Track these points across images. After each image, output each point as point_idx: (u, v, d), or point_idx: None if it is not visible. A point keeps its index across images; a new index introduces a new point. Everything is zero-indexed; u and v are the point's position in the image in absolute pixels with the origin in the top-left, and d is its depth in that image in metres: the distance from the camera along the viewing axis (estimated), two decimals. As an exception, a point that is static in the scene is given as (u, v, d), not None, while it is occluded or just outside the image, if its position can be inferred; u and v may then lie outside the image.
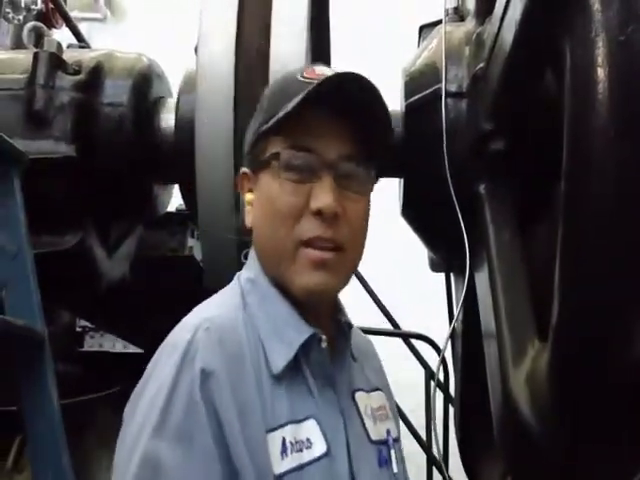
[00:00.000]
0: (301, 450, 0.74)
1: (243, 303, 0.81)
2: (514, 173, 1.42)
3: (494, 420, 1.23)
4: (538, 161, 1.39)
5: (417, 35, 2.09)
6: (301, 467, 0.73)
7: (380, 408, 0.89)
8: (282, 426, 0.74)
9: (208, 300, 0.84)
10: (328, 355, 0.81)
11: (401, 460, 0.89)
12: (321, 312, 0.84)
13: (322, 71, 0.81)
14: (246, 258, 0.88)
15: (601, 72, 0.94)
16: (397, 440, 0.90)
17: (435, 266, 1.93)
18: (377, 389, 0.91)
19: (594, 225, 0.95)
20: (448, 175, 1.42)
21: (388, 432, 0.88)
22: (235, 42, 1.59)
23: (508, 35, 1.23)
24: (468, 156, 1.46)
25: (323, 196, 0.77)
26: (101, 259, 1.96)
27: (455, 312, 1.74)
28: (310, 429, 0.76)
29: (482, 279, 1.39)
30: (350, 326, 0.87)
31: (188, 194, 1.98)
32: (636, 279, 0.94)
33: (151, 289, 2.33)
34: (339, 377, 0.83)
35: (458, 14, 1.89)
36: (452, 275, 1.91)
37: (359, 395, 0.86)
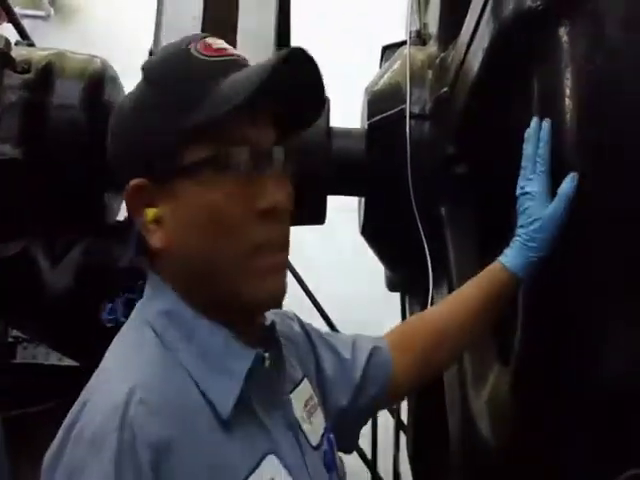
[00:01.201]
0: None
1: (162, 346, 0.66)
2: (476, 197, 1.44)
3: (452, 440, 1.23)
4: (500, 186, 1.41)
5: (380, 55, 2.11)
6: None
7: (308, 401, 0.79)
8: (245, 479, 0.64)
9: (112, 356, 0.68)
10: (273, 373, 0.73)
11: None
12: (255, 323, 0.74)
13: (219, 45, 0.69)
14: (141, 291, 0.72)
15: (569, 102, 0.96)
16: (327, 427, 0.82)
17: (392, 286, 1.94)
18: (302, 378, 0.81)
19: (557, 251, 0.96)
20: (412, 196, 1.42)
21: (326, 429, 0.80)
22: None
23: (474, 62, 1.25)
24: (430, 178, 1.47)
25: (273, 191, 0.67)
26: (45, 269, 1.88)
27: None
28: (272, 468, 0.67)
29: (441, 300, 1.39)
30: (273, 326, 0.77)
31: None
32: (597, 304, 0.95)
33: (98, 301, 2.24)
34: (281, 391, 0.74)
35: (420, 37, 1.91)
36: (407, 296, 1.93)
37: (293, 397, 0.77)
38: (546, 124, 0.95)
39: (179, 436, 0.60)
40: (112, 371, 0.65)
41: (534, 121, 0.99)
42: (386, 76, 1.73)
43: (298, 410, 0.76)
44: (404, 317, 1.97)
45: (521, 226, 0.96)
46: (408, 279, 1.79)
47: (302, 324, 0.91)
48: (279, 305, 0.74)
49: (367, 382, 0.91)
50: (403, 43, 1.90)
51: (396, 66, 1.74)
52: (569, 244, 0.94)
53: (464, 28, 1.36)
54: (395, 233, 1.59)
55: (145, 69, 0.72)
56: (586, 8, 0.93)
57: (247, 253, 0.67)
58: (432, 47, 1.78)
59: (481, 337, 1.03)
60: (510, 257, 0.96)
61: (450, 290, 1.33)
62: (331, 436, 0.80)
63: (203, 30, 1.59)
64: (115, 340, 0.70)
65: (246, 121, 0.67)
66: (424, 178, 1.47)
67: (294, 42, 2.15)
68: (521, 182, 0.99)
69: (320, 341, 0.90)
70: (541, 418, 1.02)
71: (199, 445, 0.62)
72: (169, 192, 0.67)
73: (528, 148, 0.99)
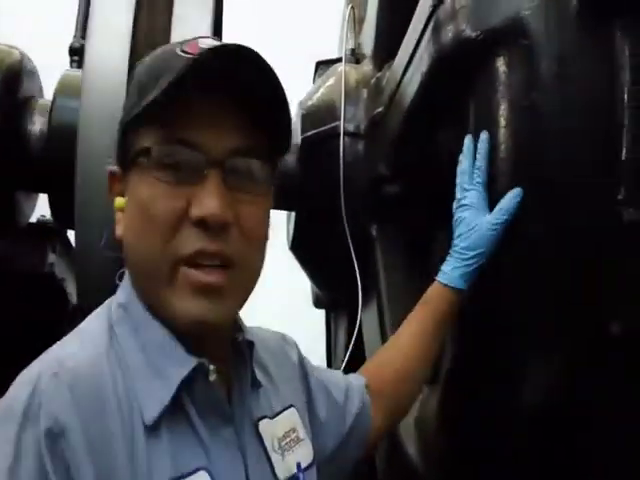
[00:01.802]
0: None
1: (111, 336, 0.66)
2: (407, 217, 1.46)
3: (378, 461, 1.24)
4: (431, 208, 1.44)
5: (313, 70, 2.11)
6: None
7: (288, 433, 0.76)
8: None
9: (69, 335, 0.67)
10: (220, 388, 0.68)
11: None
12: (211, 337, 0.69)
13: (207, 44, 0.64)
14: (121, 279, 0.72)
15: (503, 135, 0.99)
16: (311, 465, 0.78)
17: (318, 302, 1.93)
18: (286, 408, 0.78)
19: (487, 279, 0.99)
20: (343, 213, 1.43)
21: (298, 466, 0.75)
22: (130, 41, 1.49)
23: (411, 85, 1.27)
24: (362, 197, 1.48)
25: (207, 201, 0.62)
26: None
27: (335, 351, 1.76)
28: None
29: (370, 320, 1.40)
30: (251, 345, 0.73)
31: (59, 205, 1.84)
32: (519, 331, 0.98)
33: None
34: (239, 410, 0.70)
35: (354, 56, 1.93)
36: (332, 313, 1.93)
37: (263, 425, 0.73)
38: (484, 136, 0.97)
39: (75, 426, 0.57)
40: (50, 350, 0.65)
41: (468, 138, 1.02)
42: (320, 92, 1.73)
43: (269, 438, 0.73)
44: (329, 334, 1.97)
45: (458, 235, 0.97)
46: (335, 296, 1.79)
47: (300, 355, 0.89)
48: (203, 331, 0.66)
49: (351, 439, 0.91)
50: (337, 60, 1.92)
51: (331, 82, 1.75)
52: (494, 271, 0.97)
53: (401, 51, 1.38)
54: (324, 250, 1.60)
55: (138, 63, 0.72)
56: (523, 43, 0.96)
57: (174, 261, 0.63)
58: (366, 66, 1.80)
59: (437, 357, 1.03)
60: (448, 273, 0.97)
61: (380, 308, 1.34)
62: (300, 475, 0.75)
63: (133, 39, 1.54)
64: (79, 325, 0.70)
65: (191, 121, 0.64)
66: (356, 196, 1.48)
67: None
68: (458, 195, 1.01)
69: (315, 379, 0.89)
70: (464, 440, 1.04)
71: (100, 442, 0.58)
72: (127, 181, 0.68)
73: (463, 163, 1.01)
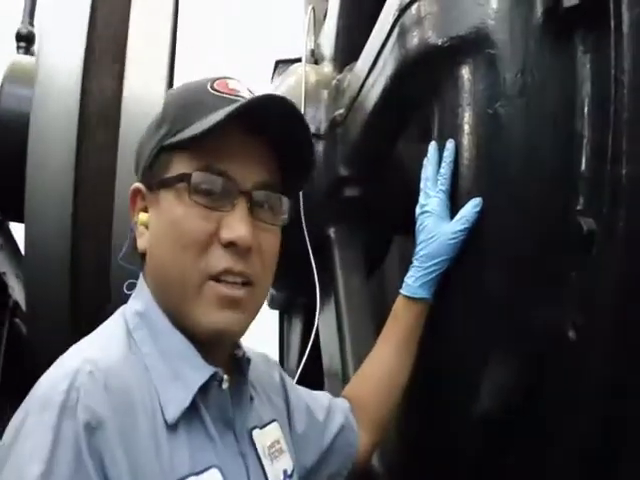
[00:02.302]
0: None
1: (130, 341, 0.71)
2: (366, 220, 1.47)
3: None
4: (391, 212, 1.45)
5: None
6: None
7: (274, 444, 0.83)
8: (182, 479, 0.66)
9: (87, 338, 0.73)
10: (229, 396, 0.74)
11: None
12: (221, 348, 0.77)
13: (236, 86, 0.75)
14: (130, 289, 0.78)
15: (467, 141, 1.00)
16: (292, 474, 0.84)
17: (273, 303, 1.92)
18: (271, 421, 0.84)
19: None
20: (302, 214, 1.42)
21: (284, 472, 0.82)
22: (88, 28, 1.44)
23: (374, 88, 1.28)
24: (322, 198, 1.47)
25: (237, 226, 0.70)
26: None
27: (288, 352, 1.75)
28: None
29: (328, 322, 1.40)
30: (249, 361, 0.81)
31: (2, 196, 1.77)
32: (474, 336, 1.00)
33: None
34: (239, 419, 0.76)
35: (314, 57, 1.93)
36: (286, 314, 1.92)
37: (256, 434, 0.79)
38: (450, 145, 0.99)
39: (111, 422, 0.62)
40: (75, 350, 0.69)
41: (432, 145, 1.03)
42: (280, 91, 1.72)
43: (260, 446, 0.79)
44: (282, 335, 1.96)
45: (420, 243, 0.99)
46: (292, 297, 1.78)
47: (282, 375, 0.94)
48: (224, 342, 0.75)
49: (333, 455, 0.95)
50: (297, 60, 1.91)
51: (290, 82, 1.74)
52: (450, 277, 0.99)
53: (363, 54, 1.38)
54: (282, 250, 1.58)
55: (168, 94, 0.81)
56: (488, 52, 0.98)
57: (203, 277, 0.71)
58: (326, 68, 1.80)
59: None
60: (410, 285, 0.99)
61: (338, 311, 1.34)
62: None
63: (88, 41, 1.50)
64: (95, 331, 0.74)
65: (227, 154, 0.72)
66: (315, 198, 1.47)
67: (194, 58, 2.09)
68: (422, 200, 1.02)
69: (294, 397, 0.93)
70: (422, 446, 1.05)
71: (131, 436, 0.63)
72: (156, 200, 0.74)
73: (428, 169, 1.02)
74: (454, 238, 0.95)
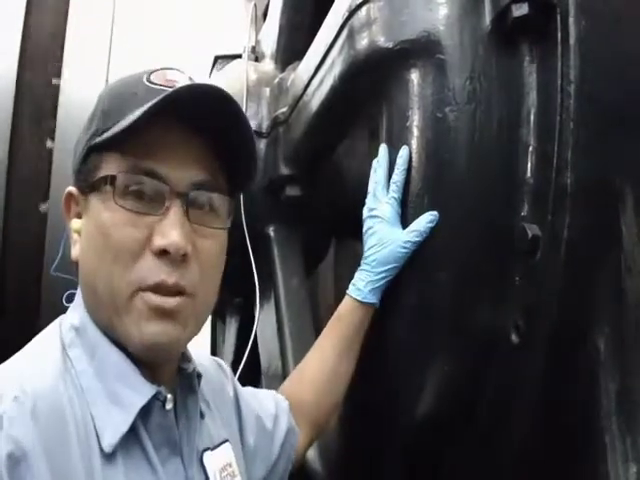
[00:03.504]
0: None
1: (65, 358, 0.65)
2: (305, 220, 1.46)
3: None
4: (332, 211, 1.45)
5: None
6: None
7: (225, 467, 0.77)
8: None
9: (18, 354, 0.66)
10: (173, 417, 0.68)
11: None
12: (165, 363, 0.71)
13: (174, 77, 0.69)
14: (69, 301, 0.72)
15: (415, 145, 1.00)
16: None
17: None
18: (223, 442, 0.79)
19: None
20: (242, 213, 1.39)
21: None
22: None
23: (320, 88, 1.27)
24: (262, 197, 1.45)
25: (170, 233, 0.64)
26: None
27: (222, 352, 1.71)
28: None
29: (266, 322, 1.38)
30: (199, 376, 0.75)
31: None
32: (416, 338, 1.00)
33: None
34: (186, 441, 0.70)
35: (254, 54, 1.90)
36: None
37: (207, 457, 0.74)
38: (405, 152, 0.97)
39: (37, 451, 0.57)
40: (8, 365, 0.64)
41: (383, 147, 1.02)
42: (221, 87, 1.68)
43: (211, 470, 0.73)
44: (214, 335, 1.93)
45: (369, 248, 0.98)
46: (225, 298, 1.75)
47: (235, 389, 0.90)
48: (161, 358, 0.68)
49: (280, 462, 0.93)
50: (237, 56, 1.88)
51: (231, 78, 1.70)
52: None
53: (309, 53, 1.37)
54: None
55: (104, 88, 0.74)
56: (437, 57, 0.99)
57: (131, 290, 0.65)
58: (267, 65, 1.78)
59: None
60: (361, 289, 0.98)
61: (277, 309, 1.33)
62: None
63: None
64: (30, 342, 0.68)
65: (157, 152, 0.66)
66: (255, 196, 1.45)
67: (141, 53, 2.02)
68: (371, 204, 1.01)
69: (246, 407, 0.89)
70: (362, 447, 1.05)
71: (61, 468, 0.58)
72: (87, 204, 0.68)
73: (378, 172, 1.01)
74: (405, 248, 0.95)
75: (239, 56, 1.88)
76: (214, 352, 1.92)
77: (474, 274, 0.93)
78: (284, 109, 1.46)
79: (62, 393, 0.62)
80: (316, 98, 1.28)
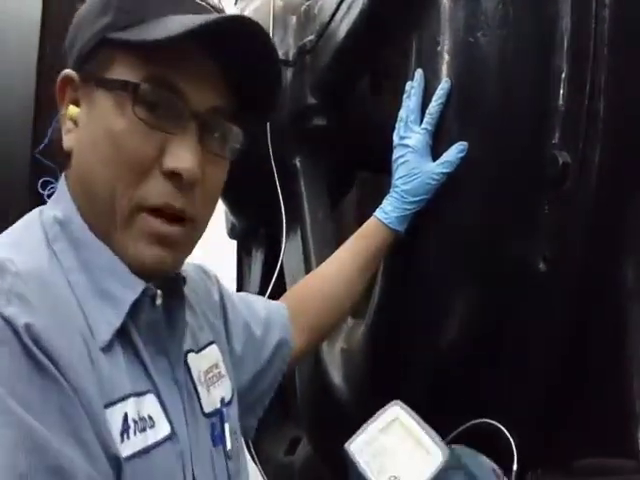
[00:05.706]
0: (145, 430, 0.61)
1: (49, 253, 0.61)
2: (330, 153, 1.45)
3: (299, 391, 1.26)
4: (359, 140, 1.44)
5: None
6: (147, 450, 0.60)
7: (211, 368, 0.77)
8: (124, 399, 0.59)
9: None
10: (162, 315, 0.67)
11: (236, 429, 0.78)
12: None
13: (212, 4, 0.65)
14: (44, 188, 0.70)
15: (446, 69, 0.98)
16: (232, 400, 0.79)
17: (234, 233, 1.90)
18: (209, 344, 0.79)
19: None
20: (269, 143, 1.39)
21: (222, 401, 0.76)
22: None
23: (349, 15, 1.24)
24: (288, 126, 1.44)
25: (184, 155, 0.61)
26: None
27: (249, 281, 1.75)
28: (150, 406, 0.63)
29: (293, 252, 1.40)
30: (184, 280, 0.73)
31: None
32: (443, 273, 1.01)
33: None
34: (171, 341, 0.69)
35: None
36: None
37: (191, 358, 0.73)
38: (447, 84, 0.95)
39: (50, 331, 0.53)
40: None
41: (419, 73, 1.00)
42: (247, 14, 1.65)
43: (195, 371, 0.73)
44: (240, 265, 1.96)
45: (399, 177, 0.97)
46: (252, 228, 1.77)
47: (221, 294, 0.88)
48: (149, 277, 0.65)
49: (270, 368, 0.92)
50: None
51: (257, 6, 1.67)
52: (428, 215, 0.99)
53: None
54: (248, 180, 1.55)
55: None
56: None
57: (133, 208, 0.62)
58: (293, -8, 1.73)
59: (364, 293, 1.04)
60: (388, 213, 0.98)
61: (304, 240, 1.34)
62: (224, 410, 0.75)
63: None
64: (6, 234, 0.63)
65: (180, 69, 0.62)
66: (282, 126, 1.44)
67: None
68: (403, 132, 0.99)
69: (233, 314, 0.88)
70: (388, 371, 1.08)
71: (70, 348, 0.55)
72: (90, 96, 0.64)
73: (412, 100, 0.99)
74: (435, 180, 0.94)
75: (264, -18, 1.83)
76: (240, 284, 1.96)
77: (504, 203, 0.93)
78: (311, 37, 1.43)
79: (54, 282, 0.59)
80: (344, 24, 1.25)
